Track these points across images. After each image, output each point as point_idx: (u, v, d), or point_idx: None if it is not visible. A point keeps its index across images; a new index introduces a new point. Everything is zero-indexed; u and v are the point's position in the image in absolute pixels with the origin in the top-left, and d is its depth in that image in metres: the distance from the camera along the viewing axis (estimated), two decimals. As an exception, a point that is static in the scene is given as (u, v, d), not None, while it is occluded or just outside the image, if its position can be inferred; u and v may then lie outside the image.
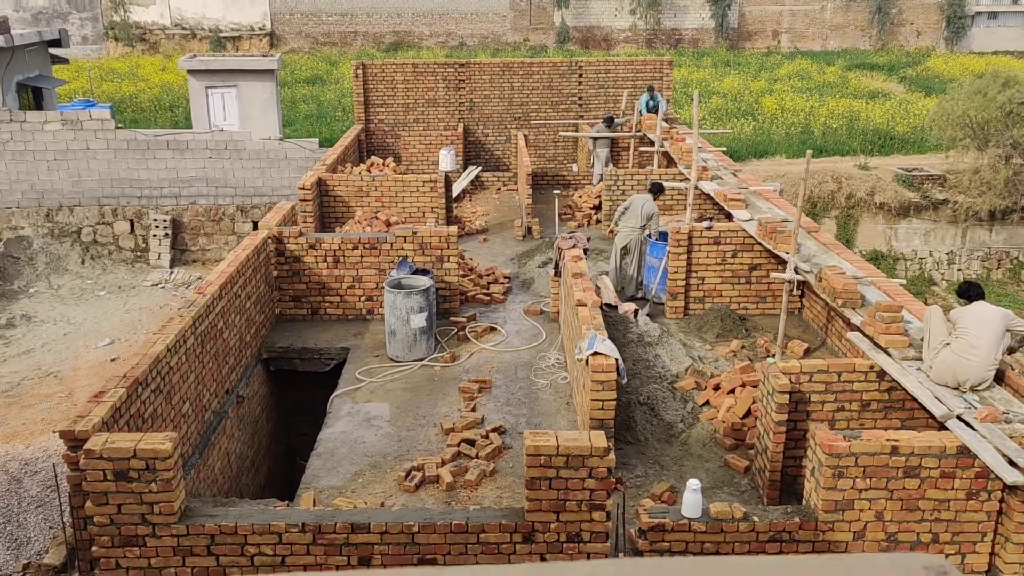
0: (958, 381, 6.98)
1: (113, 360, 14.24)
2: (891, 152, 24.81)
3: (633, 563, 0.62)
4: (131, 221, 19.23)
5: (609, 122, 17.67)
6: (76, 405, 11.66)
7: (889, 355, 7.50)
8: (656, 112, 16.96)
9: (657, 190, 11.95)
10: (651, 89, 18.06)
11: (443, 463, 7.78)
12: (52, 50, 22.69)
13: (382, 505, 7.12)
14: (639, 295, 11.83)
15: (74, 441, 6.08)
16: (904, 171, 22.69)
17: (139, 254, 19.29)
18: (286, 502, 7.21)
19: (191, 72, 22.06)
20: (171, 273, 18.71)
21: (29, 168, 18.78)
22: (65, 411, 12.30)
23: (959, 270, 21.96)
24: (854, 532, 6.31)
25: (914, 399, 7.05)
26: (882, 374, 7.38)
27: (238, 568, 6.01)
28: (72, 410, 10.81)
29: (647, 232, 11.70)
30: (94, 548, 5.99)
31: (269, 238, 10.84)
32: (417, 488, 7.47)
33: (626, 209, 11.90)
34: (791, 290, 9.77)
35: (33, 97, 21.40)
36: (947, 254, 22.15)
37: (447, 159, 17.56)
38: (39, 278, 18.13)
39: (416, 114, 19.77)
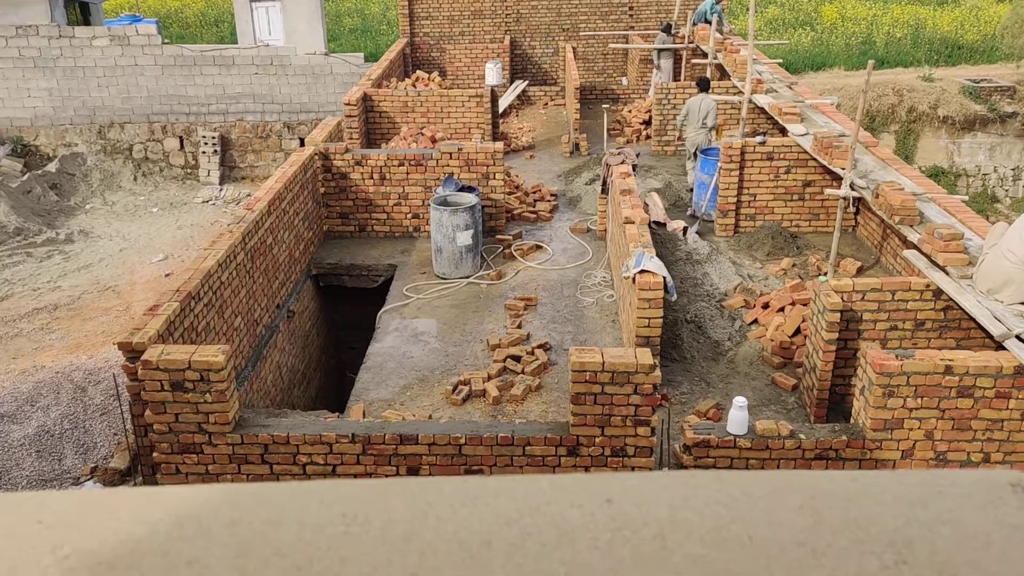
0: (996, 292, 6.74)
1: (167, 275, 14.58)
2: (958, 62, 23.67)
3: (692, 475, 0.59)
4: (180, 138, 19.39)
5: (667, 29, 17.02)
6: (134, 318, 12.00)
7: (947, 273, 7.29)
8: (710, 23, 16.32)
9: (706, 85, 12.26)
10: None
11: (489, 378, 7.87)
12: (97, -36, 22.58)
13: (430, 417, 7.26)
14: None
15: (132, 352, 6.26)
16: (971, 82, 21.66)
17: (189, 171, 19.50)
18: (336, 414, 7.39)
19: (235, -15, 21.80)
20: (221, 190, 18.93)
21: (80, 85, 18.95)
22: (124, 324, 12.68)
23: (1024, 187, 21.12)
24: (902, 451, 6.27)
25: (971, 318, 6.87)
26: (938, 293, 7.19)
27: (291, 476, 6.22)
28: (130, 323, 11.12)
29: (711, 128, 12.01)
30: (155, 454, 6.24)
31: (316, 155, 10.83)
32: (464, 402, 7.59)
33: (687, 114, 12.12)
34: (846, 207, 9.50)
35: (80, 12, 21.42)
36: (1013, 170, 21.28)
37: (493, 73, 17.22)
38: (94, 194, 18.49)
39: (462, 27, 19.34)
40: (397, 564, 0.54)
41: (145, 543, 0.55)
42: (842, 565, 0.53)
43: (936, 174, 20.54)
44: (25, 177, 17.84)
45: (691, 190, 12.14)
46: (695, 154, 12.09)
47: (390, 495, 0.59)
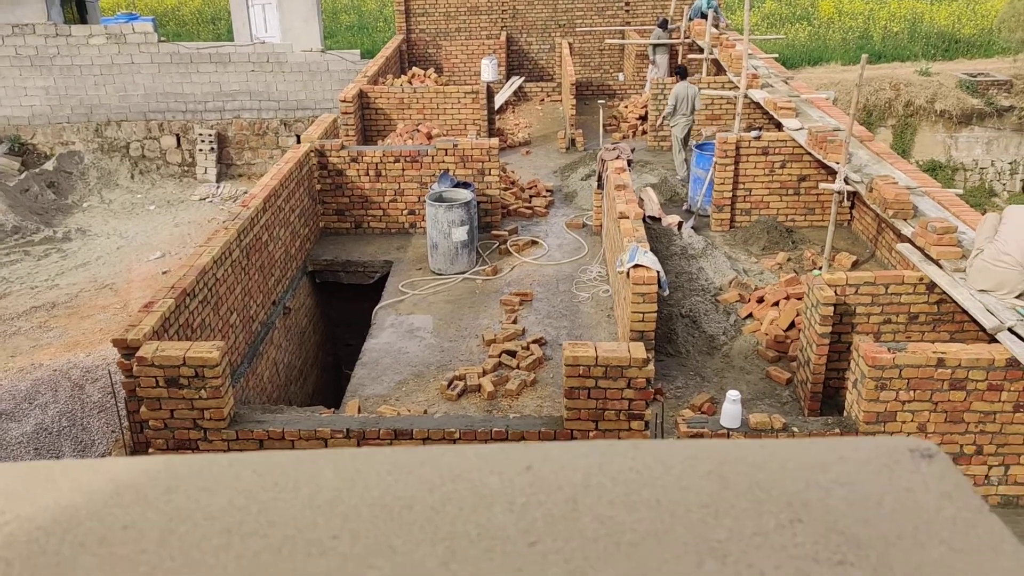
0: (991, 293, 6.76)
1: (164, 273, 14.59)
2: (955, 56, 23.67)
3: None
4: (177, 136, 19.40)
5: (663, 25, 17.04)
6: (131, 316, 12.03)
7: (940, 267, 7.31)
8: (706, 18, 16.32)
9: (685, 72, 13.05)
10: None
11: (484, 373, 7.90)
12: (93, -38, 22.59)
13: (425, 412, 7.28)
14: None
15: (127, 349, 6.28)
16: (968, 76, 21.67)
17: (186, 168, 19.51)
18: (332, 409, 7.41)
19: (231, -17, 21.80)
20: (218, 187, 18.94)
21: (76, 83, 18.96)
22: (121, 321, 12.70)
23: (1023, 180, 21.14)
24: (895, 444, 6.30)
25: (964, 311, 6.90)
26: (932, 286, 7.22)
27: (286, 471, 6.24)
28: (127, 321, 11.16)
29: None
30: (151, 451, 6.26)
31: (311, 151, 10.85)
32: (459, 397, 7.62)
33: (677, 103, 12.60)
34: (840, 201, 9.52)
35: (77, 10, 21.43)
36: (1010, 164, 21.30)
37: (489, 69, 17.22)
38: (91, 192, 18.51)
39: (458, 23, 19.34)
40: (321, 526, 0.56)
41: (83, 510, 0.58)
42: (740, 524, 0.56)
43: (933, 168, 20.55)
44: (23, 176, 17.85)
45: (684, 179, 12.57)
46: (684, 141, 12.60)
47: (321, 465, 0.62)
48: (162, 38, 19.51)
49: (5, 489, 0.59)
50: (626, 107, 16.59)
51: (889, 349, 6.16)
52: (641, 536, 0.54)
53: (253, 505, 0.59)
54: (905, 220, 8.26)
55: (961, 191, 9.50)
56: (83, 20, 21.55)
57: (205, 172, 19.28)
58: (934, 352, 6.11)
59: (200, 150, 19.25)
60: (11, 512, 0.57)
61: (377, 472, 0.61)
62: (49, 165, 18.52)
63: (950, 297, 7.04)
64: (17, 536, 0.55)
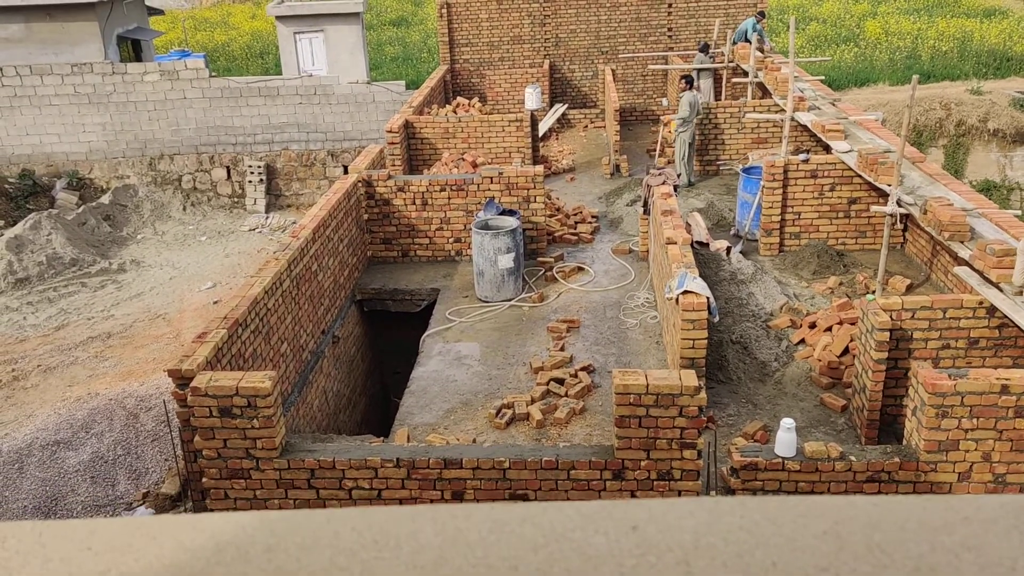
0: None
1: (216, 303, 14.86)
2: (1008, 75, 23.21)
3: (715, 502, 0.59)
4: (227, 168, 19.83)
5: (705, 49, 17.03)
6: (183, 346, 12.23)
7: (1001, 290, 7.11)
8: (750, 42, 16.26)
9: (691, 81, 14.05)
10: (761, 15, 17.22)
11: (533, 401, 7.86)
12: (148, 2, 23.35)
13: (474, 441, 7.26)
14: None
15: (181, 379, 6.39)
16: (1021, 94, 21.20)
17: (236, 200, 19.92)
18: (381, 438, 7.43)
19: (279, 18, 22.35)
20: (267, 218, 19.29)
21: (132, 118, 19.53)
22: (174, 351, 12.94)
23: (1081, 200, 20.52)
24: (959, 473, 6.10)
25: (1027, 336, 6.69)
26: (992, 310, 7.02)
27: (337, 500, 6.27)
28: (180, 350, 11.35)
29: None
30: (204, 479, 6.34)
31: (359, 182, 11.00)
32: (507, 425, 7.58)
33: (691, 110, 13.55)
34: (893, 224, 9.34)
35: (132, 49, 22.13)
36: (1068, 183, 20.71)
37: (533, 97, 17.34)
38: (145, 225, 18.98)
39: (501, 52, 19.54)
40: (427, 589, 0.55)
41: (187, 568, 0.57)
42: (866, 591, 0.53)
43: (988, 188, 20.08)
44: (80, 209, 18.40)
45: (679, 175, 13.63)
46: (691, 145, 13.75)
47: (421, 521, 0.61)
48: (213, 73, 20.03)
49: (111, 545, 0.59)
50: (671, 132, 16.52)
51: (950, 376, 5.98)
52: (760, 603, 0.52)
53: (355, 565, 0.58)
54: (962, 242, 8.07)
55: (1019, 212, 9.25)
56: (138, 58, 22.25)
57: (254, 203, 19.66)
58: (998, 379, 5.92)
59: (250, 182, 19.65)
60: (115, 569, 0.57)
61: (478, 530, 0.60)
62: (105, 199, 19.06)
63: (1012, 321, 6.83)
64: (123, 596, 0.55)
